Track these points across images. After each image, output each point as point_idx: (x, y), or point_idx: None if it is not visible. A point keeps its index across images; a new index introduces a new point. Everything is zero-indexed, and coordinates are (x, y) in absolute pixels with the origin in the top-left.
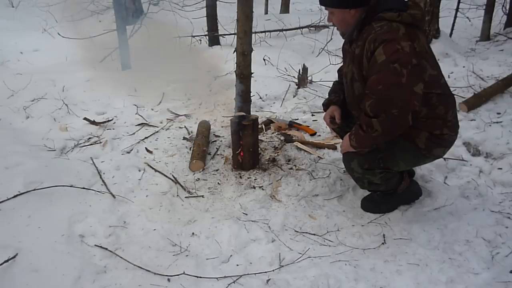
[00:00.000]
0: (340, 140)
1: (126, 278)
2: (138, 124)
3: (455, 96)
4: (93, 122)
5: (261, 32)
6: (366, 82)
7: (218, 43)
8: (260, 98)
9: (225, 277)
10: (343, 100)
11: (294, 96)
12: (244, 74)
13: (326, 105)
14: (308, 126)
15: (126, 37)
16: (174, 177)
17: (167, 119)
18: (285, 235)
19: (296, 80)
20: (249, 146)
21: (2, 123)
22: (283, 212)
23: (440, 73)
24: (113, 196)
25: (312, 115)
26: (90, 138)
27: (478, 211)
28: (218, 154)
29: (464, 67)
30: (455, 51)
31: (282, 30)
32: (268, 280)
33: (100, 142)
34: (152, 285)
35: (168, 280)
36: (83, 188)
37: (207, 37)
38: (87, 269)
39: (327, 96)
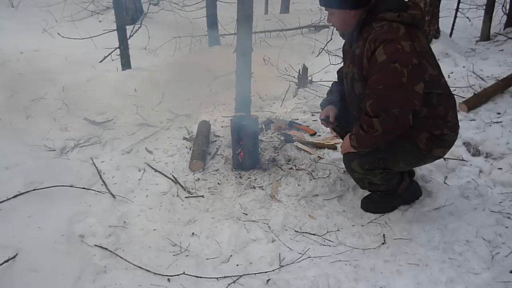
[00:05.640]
0: (340, 140)
1: (126, 278)
2: (138, 124)
3: (455, 96)
4: (93, 122)
5: (261, 32)
6: (367, 82)
7: (218, 43)
8: (260, 98)
9: (225, 277)
10: (340, 100)
11: (294, 96)
12: (244, 74)
13: (323, 105)
14: (308, 126)
15: (126, 37)
16: (174, 177)
17: (167, 119)
18: (285, 235)
19: (296, 80)
20: (249, 146)
21: (2, 123)
22: (283, 212)
23: (440, 73)
24: (113, 196)
25: (312, 115)
26: (90, 138)
27: (478, 211)
28: (218, 154)
29: (464, 67)
30: (455, 51)
31: (282, 30)
32: (268, 280)
33: (100, 142)
34: (152, 285)
35: (168, 280)
36: (83, 188)
37: (207, 37)
38: (87, 269)
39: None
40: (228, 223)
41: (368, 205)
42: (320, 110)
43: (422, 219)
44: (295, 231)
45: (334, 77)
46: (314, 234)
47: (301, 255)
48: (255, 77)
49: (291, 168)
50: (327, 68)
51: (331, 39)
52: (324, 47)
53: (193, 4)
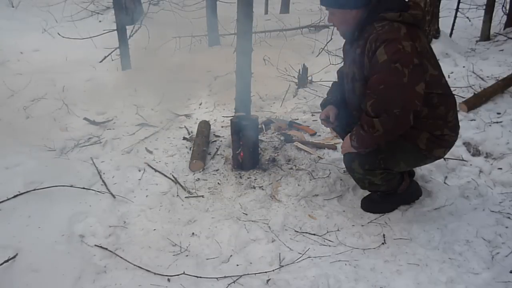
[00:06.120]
0: (340, 140)
1: (126, 278)
2: (138, 124)
3: (455, 96)
4: (93, 122)
5: (261, 32)
6: (367, 82)
7: (218, 43)
8: (260, 98)
9: (225, 277)
10: (340, 100)
11: (294, 96)
12: (244, 74)
13: (323, 105)
14: (308, 126)
15: (126, 37)
16: (174, 177)
17: (167, 119)
18: (285, 235)
19: (296, 80)
20: (249, 146)
21: (2, 123)
22: (283, 212)
23: (441, 73)
24: (113, 196)
25: (312, 115)
26: (90, 138)
27: (478, 211)
28: (218, 154)
29: (464, 67)
30: (455, 51)
31: (282, 30)
32: (268, 280)
33: (100, 142)
34: (152, 285)
35: (168, 280)
36: (83, 188)
37: (207, 37)
38: (87, 269)
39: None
40: (228, 223)
41: (368, 205)
42: (320, 110)
43: (422, 219)
44: (295, 231)
45: (334, 77)
46: (314, 234)
47: (301, 255)
48: (255, 77)
49: (291, 168)
50: (327, 68)
51: (331, 39)
52: (324, 47)
53: (193, 4)
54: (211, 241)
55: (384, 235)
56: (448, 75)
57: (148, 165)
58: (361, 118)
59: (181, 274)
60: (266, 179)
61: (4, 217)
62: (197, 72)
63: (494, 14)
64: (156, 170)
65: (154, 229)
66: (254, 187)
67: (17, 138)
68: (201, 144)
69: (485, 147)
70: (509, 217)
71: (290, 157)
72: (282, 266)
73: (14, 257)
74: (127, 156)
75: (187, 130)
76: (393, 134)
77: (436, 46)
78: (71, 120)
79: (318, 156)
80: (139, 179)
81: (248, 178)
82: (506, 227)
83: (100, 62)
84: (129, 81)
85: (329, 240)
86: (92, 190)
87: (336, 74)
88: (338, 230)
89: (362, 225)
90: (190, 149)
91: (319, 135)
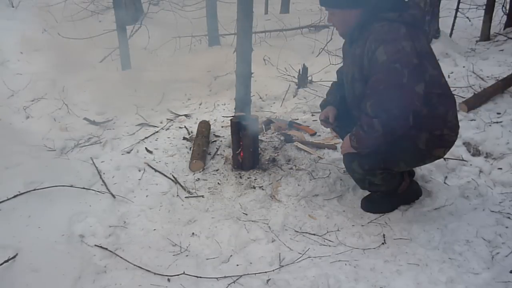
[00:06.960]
0: (340, 140)
1: (126, 278)
2: (138, 124)
3: (455, 96)
4: (93, 122)
5: (261, 32)
6: (367, 82)
7: (218, 43)
8: (260, 98)
9: (225, 277)
10: (340, 100)
11: (294, 96)
12: (244, 74)
13: (322, 106)
14: (308, 126)
15: (126, 37)
16: (174, 177)
17: (167, 119)
18: (285, 235)
19: (296, 80)
20: (249, 146)
21: (2, 123)
22: (283, 212)
23: (440, 73)
24: (113, 196)
25: (312, 115)
26: (90, 138)
27: (478, 211)
28: (218, 154)
29: (464, 67)
30: (455, 51)
31: (282, 30)
32: (268, 280)
33: (100, 142)
34: (152, 285)
35: (168, 280)
36: (83, 188)
37: (207, 37)
38: (87, 269)
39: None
40: (228, 223)
41: (368, 205)
42: (320, 111)
43: (422, 219)
44: (295, 231)
45: (334, 77)
46: (314, 234)
47: (301, 255)
48: (255, 77)
49: (291, 168)
50: (327, 68)
51: (331, 39)
52: (324, 47)
53: (193, 4)
54: (211, 241)
55: (384, 235)
56: (448, 75)
57: (148, 165)
58: (361, 119)
59: (181, 274)
60: (266, 179)
61: (4, 217)
62: (197, 72)
63: (494, 14)
64: (156, 170)
65: (154, 229)
66: (254, 187)
67: (17, 138)
68: (201, 144)
69: (485, 147)
70: (509, 217)
71: (290, 157)
72: (282, 266)
73: (14, 257)
74: (127, 156)
75: (187, 130)
76: (393, 134)
77: (436, 46)
78: (71, 120)
79: (318, 156)
80: (139, 179)
81: (248, 178)
82: (506, 227)
83: (100, 62)
84: (129, 81)
85: (329, 240)
86: (92, 190)
87: (336, 74)
88: (338, 230)
89: (362, 225)
90: (190, 149)
91: (319, 135)
